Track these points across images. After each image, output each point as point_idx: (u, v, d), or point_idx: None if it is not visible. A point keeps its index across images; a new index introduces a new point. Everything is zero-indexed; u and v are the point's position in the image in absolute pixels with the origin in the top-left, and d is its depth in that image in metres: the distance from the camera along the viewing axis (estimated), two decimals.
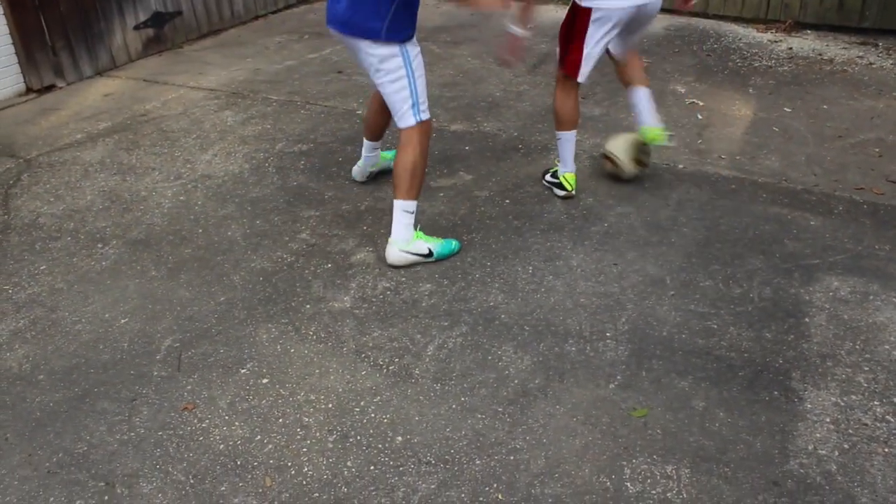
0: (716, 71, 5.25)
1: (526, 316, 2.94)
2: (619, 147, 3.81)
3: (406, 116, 3.18)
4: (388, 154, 3.99)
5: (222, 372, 2.73)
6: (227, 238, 3.53)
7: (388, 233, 3.37)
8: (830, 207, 3.61)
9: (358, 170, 3.97)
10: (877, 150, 4.15)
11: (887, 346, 2.73)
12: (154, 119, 4.86)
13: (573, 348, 2.76)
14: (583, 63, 3.46)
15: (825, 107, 4.68)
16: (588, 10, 3.32)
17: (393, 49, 3.05)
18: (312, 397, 2.60)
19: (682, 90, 4.95)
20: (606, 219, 3.55)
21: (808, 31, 5.93)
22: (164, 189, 3.98)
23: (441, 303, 3.04)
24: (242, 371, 2.73)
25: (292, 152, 4.33)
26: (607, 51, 3.60)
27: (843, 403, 2.49)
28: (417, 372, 2.69)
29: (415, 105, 3.16)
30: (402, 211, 3.24)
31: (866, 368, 2.63)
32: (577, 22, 3.40)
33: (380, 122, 3.73)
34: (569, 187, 3.71)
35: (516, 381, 2.62)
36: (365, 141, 3.85)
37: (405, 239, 3.26)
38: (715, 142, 4.18)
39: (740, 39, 5.85)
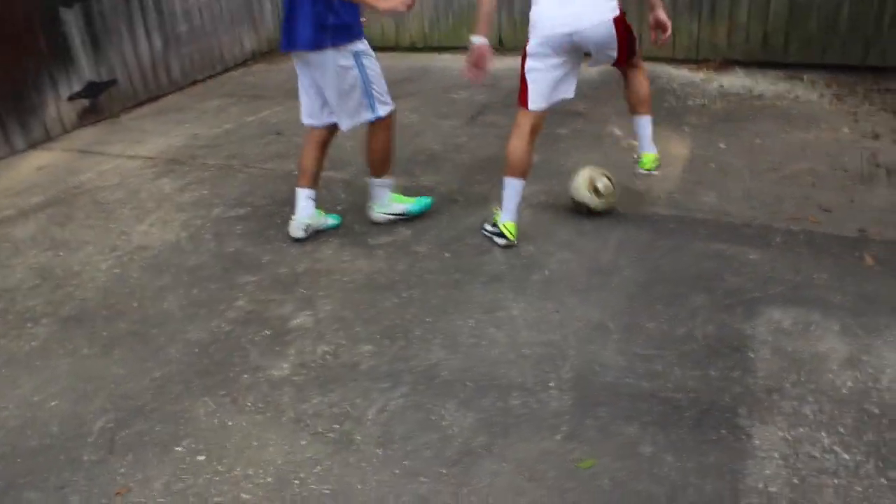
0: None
1: (468, 371, 2.87)
2: (579, 191, 3.88)
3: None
4: (331, 217, 4.09)
5: (158, 451, 2.60)
6: (162, 310, 3.42)
7: (327, 294, 3.42)
8: (769, 240, 3.63)
9: (294, 224, 3.94)
10: (810, 179, 4.21)
11: (830, 375, 2.71)
12: (89, 191, 4.76)
13: (517, 401, 2.69)
14: (529, 90, 3.55)
15: (758, 141, 4.76)
16: (526, 42, 3.52)
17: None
18: (251, 472, 2.48)
19: (619, 132, 5.00)
20: (547, 266, 3.52)
21: (738, 69, 6.07)
22: (98, 262, 3.87)
23: (381, 364, 2.96)
24: (178, 448, 2.61)
25: (229, 217, 4.25)
26: (620, 71, 3.74)
27: (790, 437, 2.44)
28: (359, 438, 2.59)
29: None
30: (383, 186, 3.95)
31: (812, 399, 2.60)
32: (522, 55, 3.56)
33: (316, 166, 3.95)
34: (510, 236, 3.68)
35: (460, 440, 2.54)
36: (299, 190, 3.93)
37: (382, 203, 3.99)
38: (653, 182, 4.20)
39: (674, 80, 5.96)
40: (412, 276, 3.53)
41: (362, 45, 3.57)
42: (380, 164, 3.89)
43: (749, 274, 3.35)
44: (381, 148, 3.83)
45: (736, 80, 5.86)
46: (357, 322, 3.23)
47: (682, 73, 6.08)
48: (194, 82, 6.93)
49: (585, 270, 3.47)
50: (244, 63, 7.49)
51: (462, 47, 7.35)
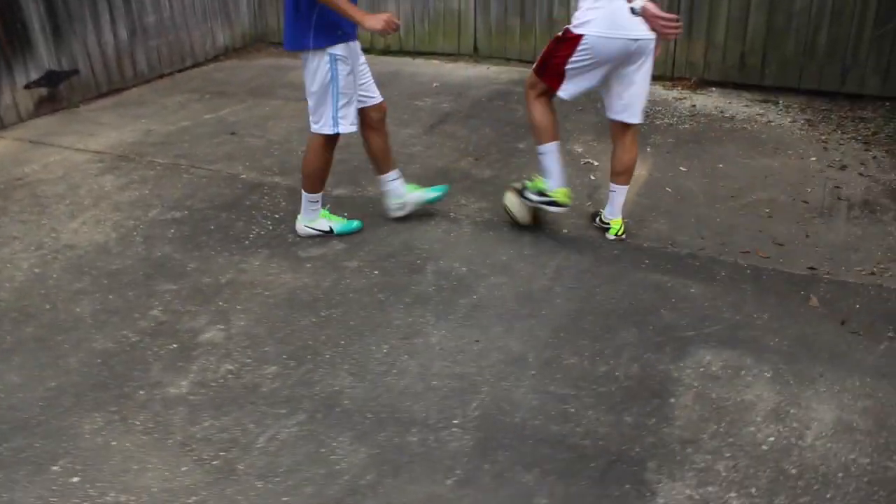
0: None
1: (371, 401, 2.69)
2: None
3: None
4: (417, 188, 4.00)
5: (31, 470, 2.42)
6: (74, 315, 3.25)
7: (245, 309, 3.28)
8: (713, 273, 3.44)
9: (390, 206, 4.00)
10: (767, 210, 4.02)
11: (752, 428, 2.52)
12: (30, 183, 4.58)
13: (415, 438, 2.51)
14: (566, 78, 3.43)
15: (721, 166, 4.57)
16: (578, 37, 3.32)
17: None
18: (123, 499, 2.31)
19: (580, 149, 4.82)
20: (477, 290, 3.34)
21: (713, 89, 5.88)
22: (20, 261, 3.69)
23: (283, 387, 2.78)
24: (54, 468, 2.43)
25: (164, 220, 4.07)
26: (611, 131, 3.68)
27: (697, 497, 2.26)
28: (242, 467, 2.41)
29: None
30: (307, 200, 3.79)
31: (727, 454, 2.41)
32: (568, 46, 3.36)
33: (376, 151, 3.86)
34: (566, 200, 3.66)
35: (346, 477, 2.36)
36: (378, 177, 3.96)
37: (309, 217, 3.82)
38: (604, 204, 4.01)
39: None
40: (336, 293, 3.35)
41: (344, 50, 3.45)
42: (311, 178, 3.74)
43: (686, 310, 3.17)
44: (316, 160, 3.68)
45: (709, 101, 5.67)
46: (268, 340, 3.05)
47: (655, 90, 5.87)
48: (161, 76, 6.75)
49: (517, 297, 3.28)
50: (216, 58, 7.30)
51: (436, 53, 7.21)
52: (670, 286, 3.32)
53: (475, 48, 6.78)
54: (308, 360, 2.93)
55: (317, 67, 3.44)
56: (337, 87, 3.48)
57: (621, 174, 3.66)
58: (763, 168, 4.51)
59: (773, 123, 5.21)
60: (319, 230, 3.83)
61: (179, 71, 6.92)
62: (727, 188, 4.26)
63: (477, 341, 3.00)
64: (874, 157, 4.66)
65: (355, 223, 3.90)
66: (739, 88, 5.83)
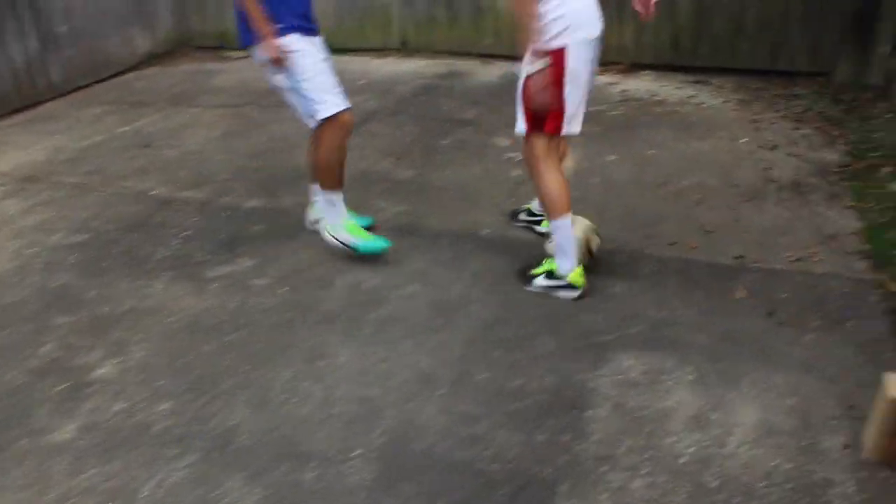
0: None
1: (269, 434, 2.49)
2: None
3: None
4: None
5: None
6: None
7: (144, 338, 3.04)
8: (638, 269, 3.29)
9: (309, 217, 3.79)
10: (697, 196, 3.88)
11: (671, 439, 2.36)
12: None
13: (312, 474, 2.32)
14: (567, 110, 2.92)
15: (651, 152, 4.42)
16: (562, 50, 2.82)
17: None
18: None
19: (504, 143, 4.64)
20: (389, 302, 3.15)
21: (647, 72, 5.74)
22: None
23: (177, 425, 2.57)
24: None
25: (68, 244, 3.82)
26: None
27: None
28: None
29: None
30: (326, 201, 3.46)
31: (644, 471, 2.26)
32: (552, 69, 2.83)
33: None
34: (580, 283, 3.09)
35: None
36: (310, 185, 3.69)
37: (332, 224, 3.46)
38: (527, 200, 3.84)
39: None
40: (242, 315, 3.14)
41: (291, 42, 3.21)
42: (321, 172, 3.43)
43: (607, 311, 3.01)
44: (323, 157, 3.37)
45: (641, 85, 5.52)
46: (165, 372, 2.83)
47: None
48: (78, 88, 6.44)
49: (430, 307, 3.10)
50: (136, 66, 7.00)
51: (365, 48, 6.98)
52: (592, 286, 3.15)
53: (403, 42, 6.57)
54: (206, 391, 2.72)
55: (266, 63, 3.28)
56: (295, 77, 3.26)
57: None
58: (694, 152, 4.37)
59: (704, 105, 5.08)
60: (345, 244, 3.43)
61: (97, 82, 6.61)
62: (657, 175, 4.12)
63: (384, 360, 2.81)
64: (804, 136, 4.54)
65: (381, 243, 3.43)
66: (673, 70, 5.69)
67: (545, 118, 2.96)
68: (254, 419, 2.57)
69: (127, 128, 5.45)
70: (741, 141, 4.51)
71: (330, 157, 3.37)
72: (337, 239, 3.44)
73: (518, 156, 4.46)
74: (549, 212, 3.08)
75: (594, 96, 5.30)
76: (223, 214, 4.01)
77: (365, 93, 5.63)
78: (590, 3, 2.92)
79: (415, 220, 3.78)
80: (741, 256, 3.33)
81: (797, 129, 4.65)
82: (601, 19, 2.96)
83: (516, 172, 4.22)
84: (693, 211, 3.75)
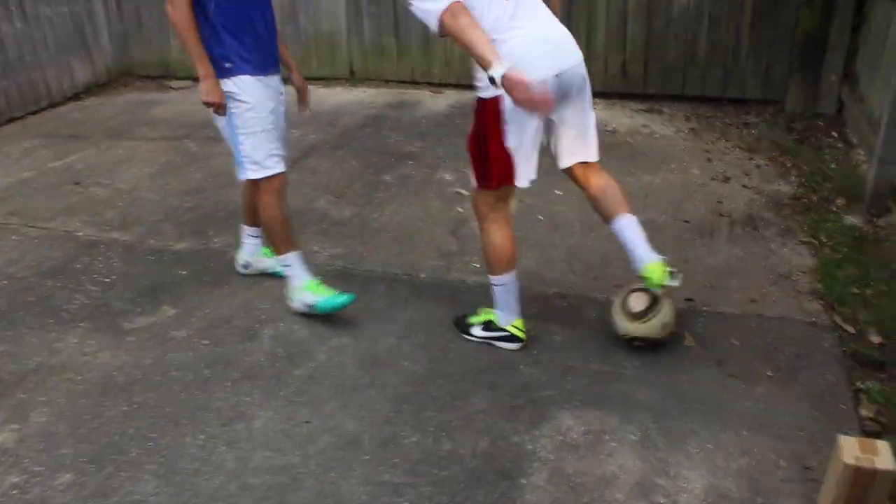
0: None
1: None
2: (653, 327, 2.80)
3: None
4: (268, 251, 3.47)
5: None
6: None
7: (48, 400, 2.79)
8: (582, 314, 3.11)
9: (238, 260, 3.58)
10: (645, 233, 3.72)
11: None
12: None
13: None
14: (516, 161, 2.65)
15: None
16: (496, 99, 2.54)
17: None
18: None
19: (449, 178, 4.46)
20: (316, 356, 2.93)
21: (597, 101, 5.54)
22: None
23: (75, 500, 2.32)
24: None
25: None
26: (573, 178, 2.94)
27: None
28: None
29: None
30: (281, 266, 3.28)
31: None
32: (487, 117, 2.60)
33: (252, 201, 3.37)
34: (521, 335, 2.89)
35: None
36: (242, 226, 3.53)
37: (293, 288, 3.20)
38: (469, 241, 3.66)
39: None
40: (157, 372, 2.90)
41: (232, 86, 2.98)
42: (269, 237, 3.23)
43: (548, 363, 2.82)
44: (266, 215, 3.15)
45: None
46: (68, 440, 2.58)
47: None
48: (11, 120, 6.16)
49: (359, 362, 2.89)
50: (75, 97, 6.73)
51: (312, 77, 6.76)
52: (533, 334, 2.97)
53: (351, 71, 6.40)
54: (110, 461, 2.47)
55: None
56: (231, 126, 3.04)
57: (616, 202, 2.96)
58: (644, 186, 4.23)
59: (656, 135, 4.95)
60: (306, 304, 3.15)
61: (33, 113, 6.32)
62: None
63: (307, 422, 2.59)
64: (757, 167, 4.43)
65: (344, 297, 3.10)
66: (624, 98, 5.57)
67: (490, 171, 2.70)
68: (159, 493, 2.33)
69: (58, 163, 5.18)
70: (693, 173, 4.38)
71: (271, 220, 3.15)
72: (301, 302, 3.18)
73: (465, 191, 4.31)
74: (490, 267, 2.85)
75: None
76: (149, 258, 3.77)
77: (309, 125, 5.42)
78: (543, 39, 2.61)
79: (350, 264, 3.57)
80: (691, 300, 3.17)
81: (750, 159, 4.53)
82: (569, 48, 2.65)
83: (460, 209, 4.04)
84: None
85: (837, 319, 2.99)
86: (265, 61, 3.05)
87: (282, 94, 3.16)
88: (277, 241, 3.18)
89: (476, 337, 2.96)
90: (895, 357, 2.78)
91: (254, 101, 2.99)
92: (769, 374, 2.70)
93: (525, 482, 2.28)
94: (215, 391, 2.77)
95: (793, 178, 4.26)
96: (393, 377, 2.78)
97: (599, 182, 2.94)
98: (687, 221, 3.83)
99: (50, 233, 4.13)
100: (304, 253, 3.70)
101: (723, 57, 5.23)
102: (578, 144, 2.86)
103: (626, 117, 5.28)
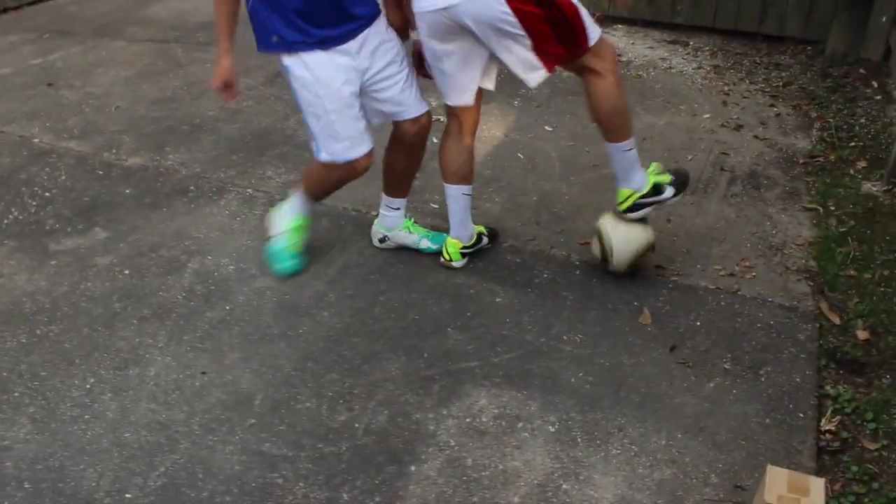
0: None
1: (39, 463, 2.07)
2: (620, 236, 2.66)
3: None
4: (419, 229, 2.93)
5: None
6: None
7: None
8: (534, 274, 2.78)
9: (374, 232, 2.96)
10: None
11: None
12: None
13: None
14: (437, 80, 2.56)
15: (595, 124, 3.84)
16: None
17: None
18: None
19: (435, 102, 4.05)
20: (234, 298, 2.68)
21: (619, 26, 5.07)
22: None
23: None
24: None
25: None
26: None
27: None
28: None
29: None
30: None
31: None
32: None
33: (394, 169, 2.79)
34: (484, 230, 2.87)
35: None
36: (382, 195, 2.89)
37: (385, 225, 2.91)
38: (434, 176, 3.29)
39: None
40: (68, 301, 2.69)
41: (290, 62, 2.42)
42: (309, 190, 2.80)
43: (480, 328, 2.52)
44: (307, 184, 2.78)
45: (609, 41, 4.86)
46: None
47: None
48: (5, 10, 5.91)
49: (278, 308, 2.63)
50: None
51: None
52: (472, 293, 2.67)
53: None
54: None
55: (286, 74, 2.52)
56: (298, 104, 2.54)
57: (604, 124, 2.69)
58: (645, 128, 3.79)
59: (673, 70, 4.44)
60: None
61: (30, 4, 6.07)
62: (592, 155, 3.55)
63: (203, 373, 2.37)
64: (777, 115, 3.93)
65: (287, 264, 2.79)
66: (648, 27, 5.02)
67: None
68: (30, 441, 2.15)
69: (38, 60, 4.93)
70: (704, 116, 3.91)
71: (317, 186, 2.75)
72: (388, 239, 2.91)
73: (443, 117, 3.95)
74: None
75: None
76: (98, 173, 3.53)
77: None
78: None
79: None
80: (661, 267, 2.81)
81: (772, 105, 4.03)
82: None
83: (435, 139, 3.68)
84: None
85: (823, 307, 2.61)
86: (331, 32, 2.38)
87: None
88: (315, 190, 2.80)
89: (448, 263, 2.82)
90: (879, 358, 2.41)
91: (310, 76, 2.42)
92: (726, 366, 2.36)
93: (414, 469, 2.03)
94: (120, 329, 2.56)
95: (814, 131, 3.77)
96: (308, 330, 2.52)
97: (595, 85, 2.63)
98: None
99: (5, 137, 3.91)
100: (258, 177, 3.45)
101: None
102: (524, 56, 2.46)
103: (645, 48, 4.75)
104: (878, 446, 2.12)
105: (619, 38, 4.91)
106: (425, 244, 2.88)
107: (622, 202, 2.63)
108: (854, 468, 2.05)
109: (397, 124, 2.66)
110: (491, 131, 3.76)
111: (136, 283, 2.78)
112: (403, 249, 2.90)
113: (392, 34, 2.54)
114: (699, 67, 4.47)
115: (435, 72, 2.53)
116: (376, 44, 2.46)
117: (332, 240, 2.98)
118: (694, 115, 3.93)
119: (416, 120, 2.62)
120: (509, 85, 4.28)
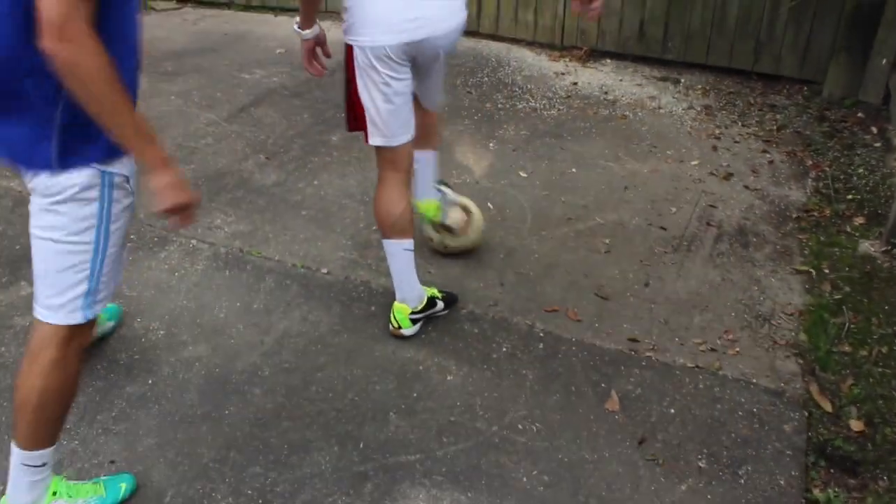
0: (466, 115, 4.10)
1: None
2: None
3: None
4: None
5: None
6: None
7: None
8: (492, 347, 2.51)
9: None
10: (608, 240, 3.07)
11: None
12: None
13: None
14: (368, 120, 2.32)
15: (574, 170, 3.58)
16: (350, 49, 2.25)
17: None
18: None
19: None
20: (159, 370, 2.41)
21: (608, 61, 4.82)
22: None
23: None
24: None
25: None
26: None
27: None
28: None
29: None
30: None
31: None
32: (348, 66, 2.29)
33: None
34: (439, 294, 2.62)
35: None
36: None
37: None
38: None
39: (522, 70, 4.71)
40: None
41: (118, 169, 1.71)
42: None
43: (425, 413, 2.25)
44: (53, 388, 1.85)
45: (596, 77, 4.62)
46: None
47: (537, 62, 4.83)
48: None
49: (206, 382, 2.36)
50: None
51: (292, 9, 6.04)
52: (421, 370, 2.40)
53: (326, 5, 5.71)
54: None
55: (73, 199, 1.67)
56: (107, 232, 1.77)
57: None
58: (627, 175, 3.53)
59: (662, 110, 4.19)
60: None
61: None
62: (569, 206, 3.29)
63: (112, 462, 2.10)
64: (770, 162, 3.68)
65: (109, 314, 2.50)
66: (638, 62, 4.77)
67: (358, 115, 2.35)
68: None
69: None
70: (691, 163, 3.65)
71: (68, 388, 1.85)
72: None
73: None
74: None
75: (534, 89, 4.51)
76: None
77: (277, 65, 4.80)
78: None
79: (248, 247, 3.01)
80: (635, 340, 2.54)
81: (765, 151, 3.77)
82: (438, 20, 2.20)
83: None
84: (595, 263, 2.93)
85: (813, 389, 2.34)
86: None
87: None
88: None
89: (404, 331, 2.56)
90: (875, 455, 2.13)
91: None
92: (701, 464, 2.09)
93: None
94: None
95: (809, 181, 3.51)
96: (235, 410, 2.25)
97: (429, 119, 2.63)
98: (664, 228, 3.15)
99: None
100: (206, 226, 3.20)
101: (756, 25, 4.38)
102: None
103: (633, 85, 4.50)
104: None
105: (608, 74, 4.66)
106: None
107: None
108: None
109: None
110: (461, 176, 3.51)
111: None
112: (349, 316, 2.64)
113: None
114: (689, 108, 4.21)
115: (383, 112, 2.28)
116: None
117: (275, 302, 2.72)
118: (681, 161, 3.67)
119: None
120: (490, 124, 4.08)
